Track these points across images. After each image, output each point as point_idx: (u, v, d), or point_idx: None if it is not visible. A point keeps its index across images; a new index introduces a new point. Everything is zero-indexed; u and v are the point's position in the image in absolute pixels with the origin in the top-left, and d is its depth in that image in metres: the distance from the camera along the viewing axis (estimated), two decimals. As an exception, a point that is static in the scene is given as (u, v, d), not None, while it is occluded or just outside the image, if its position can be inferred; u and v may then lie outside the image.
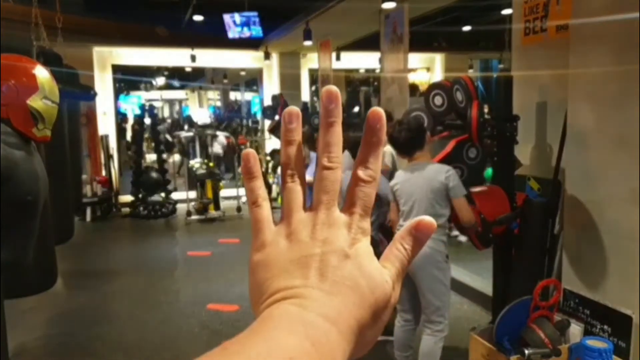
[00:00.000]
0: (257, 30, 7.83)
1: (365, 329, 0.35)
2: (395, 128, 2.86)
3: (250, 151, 0.40)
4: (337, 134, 0.37)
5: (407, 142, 2.86)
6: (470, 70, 11.19)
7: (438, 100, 3.10)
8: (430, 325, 2.90)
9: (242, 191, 9.12)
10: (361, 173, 0.37)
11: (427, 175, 2.81)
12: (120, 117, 14.00)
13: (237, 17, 7.70)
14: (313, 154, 4.36)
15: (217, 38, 8.28)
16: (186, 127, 14.20)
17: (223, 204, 8.52)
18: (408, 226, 0.39)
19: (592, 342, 2.17)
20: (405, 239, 0.39)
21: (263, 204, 0.40)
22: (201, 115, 17.20)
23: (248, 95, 17.31)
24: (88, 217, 8.06)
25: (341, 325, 0.33)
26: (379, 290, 0.36)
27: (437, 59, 10.66)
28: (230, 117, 15.73)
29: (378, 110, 0.37)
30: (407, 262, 0.38)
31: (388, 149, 3.75)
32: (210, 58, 9.95)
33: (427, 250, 2.68)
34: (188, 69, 14.34)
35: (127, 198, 8.68)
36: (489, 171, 3.65)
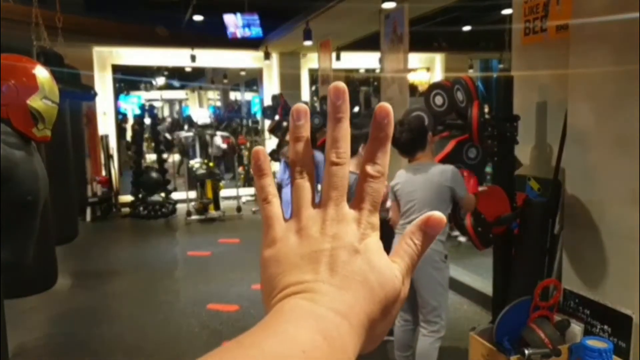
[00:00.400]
0: (257, 31, 7.84)
1: (375, 323, 0.35)
2: (397, 128, 2.85)
3: (260, 149, 0.41)
4: (344, 129, 0.38)
5: (409, 142, 2.85)
6: (470, 70, 11.20)
7: (439, 100, 3.09)
8: (426, 325, 2.89)
9: (242, 191, 9.13)
10: (369, 169, 0.37)
11: (430, 177, 2.80)
12: (120, 117, 14.01)
13: (238, 19, 7.72)
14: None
15: (217, 38, 8.28)
16: (186, 127, 14.20)
17: (223, 204, 8.52)
18: (418, 221, 0.39)
19: (592, 342, 2.17)
20: (415, 234, 0.39)
21: (273, 200, 0.40)
22: (201, 115, 17.18)
23: (248, 95, 17.32)
24: (88, 217, 8.06)
25: (352, 319, 0.34)
26: (388, 285, 0.36)
27: (437, 59, 10.66)
28: (230, 117, 15.72)
29: (385, 106, 0.37)
30: (417, 257, 0.39)
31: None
32: (210, 58, 9.95)
33: (424, 249, 2.67)
34: (188, 69, 14.34)
35: (127, 198, 8.68)
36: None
